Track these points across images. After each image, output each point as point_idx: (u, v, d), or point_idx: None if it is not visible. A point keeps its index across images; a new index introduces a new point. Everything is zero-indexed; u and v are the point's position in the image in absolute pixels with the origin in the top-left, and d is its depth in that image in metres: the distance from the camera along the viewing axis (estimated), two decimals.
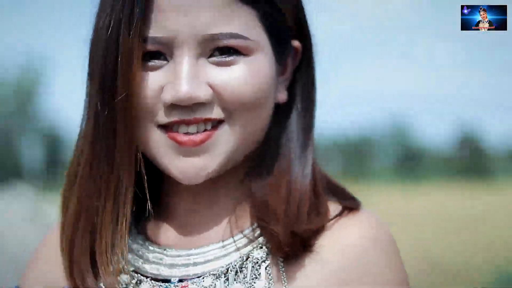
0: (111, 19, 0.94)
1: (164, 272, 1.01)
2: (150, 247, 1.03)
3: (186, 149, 0.96)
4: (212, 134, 0.97)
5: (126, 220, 0.98)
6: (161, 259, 1.02)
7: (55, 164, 71.83)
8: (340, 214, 0.99)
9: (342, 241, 0.97)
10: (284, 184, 1.01)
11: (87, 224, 0.99)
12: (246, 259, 0.99)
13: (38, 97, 72.66)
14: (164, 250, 1.03)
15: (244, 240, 1.00)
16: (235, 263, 0.99)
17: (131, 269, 1.01)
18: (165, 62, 0.97)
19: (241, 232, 1.01)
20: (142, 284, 1.01)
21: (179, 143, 0.96)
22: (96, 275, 0.99)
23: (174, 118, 0.96)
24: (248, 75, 0.96)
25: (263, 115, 1.00)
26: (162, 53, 0.97)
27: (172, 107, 0.96)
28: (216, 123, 0.98)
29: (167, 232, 1.04)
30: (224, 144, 0.98)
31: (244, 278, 0.98)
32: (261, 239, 1.00)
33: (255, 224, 1.01)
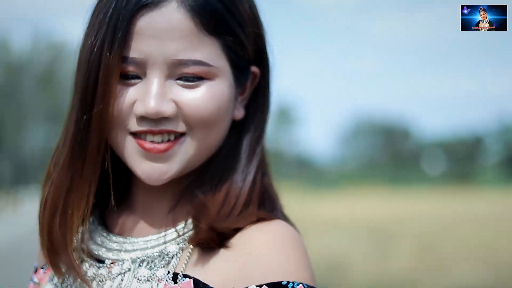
0: (96, 40, 1.10)
1: (103, 254, 1.19)
2: (101, 232, 1.22)
3: (151, 155, 1.12)
4: (175, 144, 1.13)
5: (88, 210, 1.16)
6: (103, 243, 1.20)
7: None
8: (255, 222, 1.13)
9: (250, 241, 1.10)
10: (224, 190, 1.16)
11: (62, 207, 1.16)
12: (161, 253, 1.15)
13: None
14: (108, 236, 1.21)
15: (174, 235, 1.16)
16: (152, 253, 1.15)
17: (80, 247, 1.21)
18: (138, 80, 1.12)
19: (174, 228, 1.17)
20: (84, 262, 1.20)
21: (146, 149, 1.12)
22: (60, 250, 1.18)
23: (143, 128, 1.12)
24: (209, 97, 1.11)
25: (219, 130, 1.15)
26: (137, 72, 1.12)
27: (142, 118, 1.11)
28: (179, 135, 1.13)
29: (120, 222, 1.22)
30: (183, 154, 1.13)
31: (153, 265, 1.14)
32: (187, 235, 1.15)
33: (189, 221, 1.16)
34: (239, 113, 1.20)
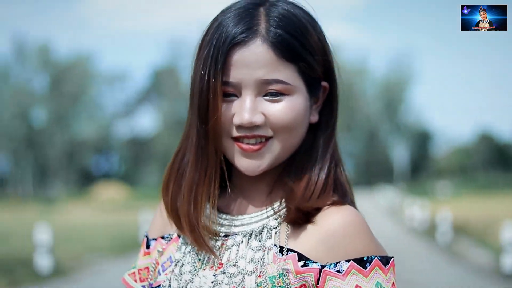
0: (204, 70, 1.45)
1: (217, 229, 1.52)
2: (213, 212, 1.54)
3: (248, 154, 1.46)
4: (264, 145, 1.46)
5: (215, 195, 1.51)
6: (218, 220, 1.53)
7: (420, 162, 73.12)
8: (331, 205, 1.46)
9: (327, 220, 1.44)
10: (305, 178, 1.49)
11: (194, 198, 1.51)
12: (265, 226, 1.48)
13: (406, 95, 75.18)
14: (219, 214, 1.54)
15: (271, 212, 1.50)
16: (258, 228, 1.49)
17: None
18: (236, 98, 1.46)
19: (272, 207, 1.50)
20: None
21: (244, 150, 1.46)
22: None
23: (240, 134, 1.46)
24: (289, 109, 1.44)
25: (298, 133, 1.48)
26: (234, 92, 1.45)
27: (240, 127, 1.45)
28: (267, 138, 1.46)
29: (228, 204, 1.56)
30: (272, 152, 1.47)
31: (261, 238, 1.47)
32: (282, 212, 1.48)
33: (282, 201, 1.50)
34: (314, 118, 1.52)
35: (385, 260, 1.42)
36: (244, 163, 1.47)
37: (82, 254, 15.16)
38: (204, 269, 1.48)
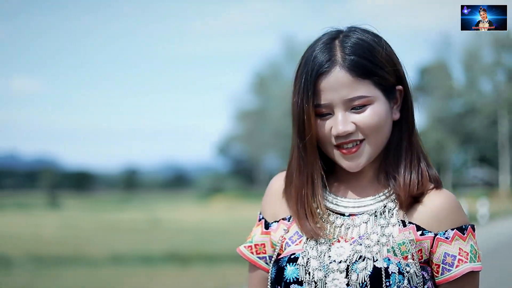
0: (298, 97, 1.84)
1: (342, 210, 1.89)
2: (334, 197, 1.93)
3: (348, 156, 1.84)
4: (359, 147, 1.83)
5: (320, 190, 1.89)
6: (338, 203, 1.91)
7: None
8: (432, 189, 1.86)
9: (433, 200, 1.84)
10: (404, 170, 1.87)
11: (305, 193, 1.90)
12: (385, 207, 1.86)
13: None
14: (341, 198, 1.92)
15: (383, 197, 1.88)
16: (379, 208, 1.86)
17: (326, 207, 1.92)
18: (330, 115, 1.83)
19: (383, 193, 1.89)
20: (331, 215, 1.89)
21: (344, 153, 1.84)
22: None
23: (339, 141, 1.83)
24: (372, 115, 1.81)
25: (384, 132, 1.85)
26: (328, 111, 1.83)
27: (337, 137, 1.82)
28: (361, 141, 1.83)
29: (342, 190, 1.93)
30: (366, 151, 1.84)
31: (384, 216, 1.84)
32: (393, 196, 1.86)
33: (390, 189, 1.88)
34: (396, 116, 1.89)
35: (473, 227, 1.86)
36: (347, 164, 1.84)
37: None
38: (338, 241, 1.84)
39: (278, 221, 1.95)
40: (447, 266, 1.82)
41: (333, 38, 1.86)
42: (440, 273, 1.82)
